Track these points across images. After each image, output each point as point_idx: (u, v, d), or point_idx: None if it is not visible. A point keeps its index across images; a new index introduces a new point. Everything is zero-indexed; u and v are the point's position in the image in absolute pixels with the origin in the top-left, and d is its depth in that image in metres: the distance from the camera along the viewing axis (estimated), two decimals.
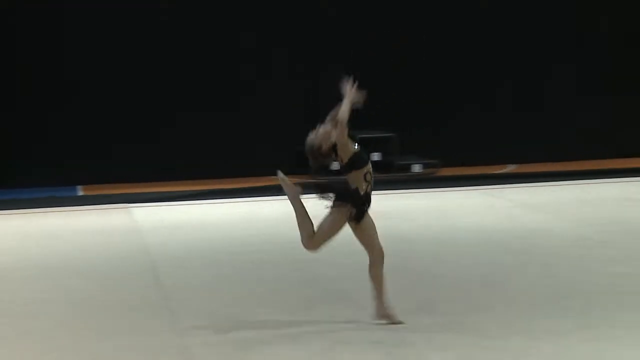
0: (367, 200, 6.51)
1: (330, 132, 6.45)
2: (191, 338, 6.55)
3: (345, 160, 6.44)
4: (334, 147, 6.46)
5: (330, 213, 6.54)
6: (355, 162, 6.45)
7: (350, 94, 6.43)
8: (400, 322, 6.54)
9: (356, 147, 6.50)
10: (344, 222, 6.52)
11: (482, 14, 15.02)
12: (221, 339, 6.53)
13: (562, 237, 9.68)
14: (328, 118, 6.52)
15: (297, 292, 7.87)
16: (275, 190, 13.10)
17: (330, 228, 6.53)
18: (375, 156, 14.12)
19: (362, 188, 6.45)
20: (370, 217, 6.56)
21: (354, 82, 6.46)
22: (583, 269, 8.29)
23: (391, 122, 14.28)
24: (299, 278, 8.32)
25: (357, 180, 6.46)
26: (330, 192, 6.52)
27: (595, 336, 6.30)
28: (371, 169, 6.52)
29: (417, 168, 14.04)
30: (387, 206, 11.85)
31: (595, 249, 9.05)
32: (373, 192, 6.58)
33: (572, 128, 15.00)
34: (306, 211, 6.61)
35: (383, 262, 6.56)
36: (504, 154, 14.85)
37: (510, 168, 14.61)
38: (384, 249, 6.60)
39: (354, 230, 6.57)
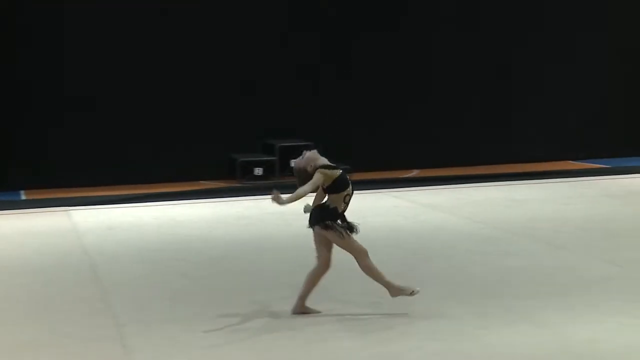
0: (341, 218, 6.62)
1: (316, 158, 6.61)
2: (127, 329, 6.51)
3: (328, 183, 6.54)
4: (316, 168, 6.58)
5: (325, 236, 6.62)
6: (338, 185, 6.56)
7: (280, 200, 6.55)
8: (413, 292, 6.64)
9: (339, 171, 6.61)
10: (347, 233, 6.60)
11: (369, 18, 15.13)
12: (156, 330, 6.50)
13: (458, 233, 9.83)
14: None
15: (225, 286, 7.86)
16: (205, 194, 13.15)
17: (343, 241, 6.61)
18: (294, 163, 14.20)
19: (340, 208, 6.59)
20: (345, 234, 6.61)
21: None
22: (478, 262, 8.44)
23: (309, 130, 14.35)
24: (227, 272, 8.32)
25: (337, 201, 6.58)
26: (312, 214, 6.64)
27: (489, 323, 6.42)
28: (351, 192, 6.65)
29: None
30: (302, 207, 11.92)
31: (485, 244, 9.22)
32: None
33: (465, 135, 15.26)
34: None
35: (368, 256, 6.69)
36: (410, 159, 15.03)
37: (414, 173, 14.81)
38: (331, 262, 6.74)
39: (324, 238, 6.63)
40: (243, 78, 14.51)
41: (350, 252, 6.69)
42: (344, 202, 6.59)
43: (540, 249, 8.93)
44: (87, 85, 13.86)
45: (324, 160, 6.63)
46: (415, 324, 6.43)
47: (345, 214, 6.63)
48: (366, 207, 11.81)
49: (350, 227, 6.61)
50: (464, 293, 7.27)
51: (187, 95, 14.33)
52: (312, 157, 6.64)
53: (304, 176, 6.61)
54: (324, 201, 6.63)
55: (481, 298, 7.09)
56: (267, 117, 14.56)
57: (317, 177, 6.50)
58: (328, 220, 6.55)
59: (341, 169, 6.66)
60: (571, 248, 8.88)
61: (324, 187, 6.58)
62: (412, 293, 6.65)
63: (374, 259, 8.60)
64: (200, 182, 13.97)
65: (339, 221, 6.59)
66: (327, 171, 6.54)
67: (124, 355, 5.98)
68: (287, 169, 14.25)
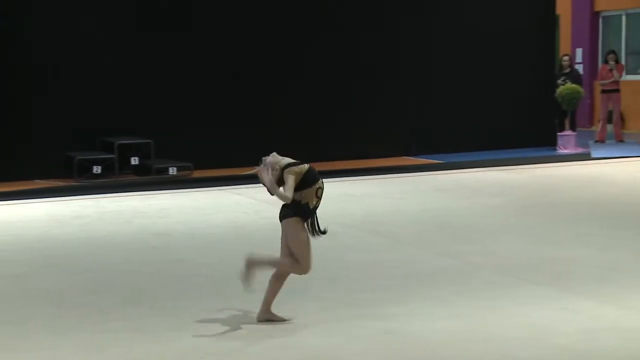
0: (313, 214, 6.34)
1: (277, 161, 6.33)
2: None
3: (298, 180, 6.23)
4: (283, 169, 6.28)
5: (287, 230, 6.34)
6: (307, 181, 6.28)
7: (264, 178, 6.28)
8: (282, 320, 6.37)
9: (306, 166, 6.34)
10: (302, 227, 6.31)
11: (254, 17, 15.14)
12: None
13: None
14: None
15: (59, 286, 7.63)
16: (40, 193, 12.72)
17: (299, 243, 6.32)
18: (134, 161, 13.99)
19: (312, 203, 6.31)
20: (307, 233, 6.37)
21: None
22: (319, 256, 8.50)
23: (148, 128, 14.18)
24: (63, 273, 8.09)
25: (308, 196, 6.28)
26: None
27: (330, 317, 6.49)
28: (322, 185, 6.38)
29: (172, 171, 13.99)
30: (146, 206, 11.75)
31: (325, 238, 9.29)
32: None
33: (304, 132, 15.44)
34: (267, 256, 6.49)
35: (298, 271, 6.37)
36: (250, 157, 15.03)
37: (255, 170, 14.80)
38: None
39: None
40: (82, 76, 14.15)
41: (295, 255, 6.35)
42: (317, 197, 6.30)
43: (378, 243, 9.12)
44: None
45: (287, 160, 6.34)
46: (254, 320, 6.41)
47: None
48: (208, 204, 11.77)
49: (318, 229, 6.35)
50: (304, 288, 7.31)
51: (22, 93, 13.84)
52: (273, 160, 6.34)
53: (272, 172, 6.28)
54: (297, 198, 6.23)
55: (322, 293, 7.17)
56: (106, 115, 14.25)
57: (291, 179, 6.19)
58: (298, 215, 6.25)
59: (307, 164, 6.38)
60: (407, 241, 9.11)
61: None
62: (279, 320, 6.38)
63: (219, 255, 8.63)
64: (36, 181, 13.50)
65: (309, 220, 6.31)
66: (294, 168, 6.25)
67: None
68: (126, 167, 14.01)
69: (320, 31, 15.64)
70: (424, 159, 15.49)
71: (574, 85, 17.00)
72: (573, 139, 16.65)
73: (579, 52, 21.66)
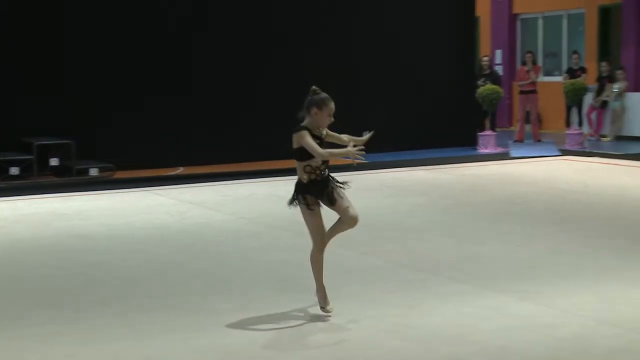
0: (310, 190, 6.29)
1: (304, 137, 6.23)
2: None
3: (296, 147, 6.27)
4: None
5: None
6: (303, 154, 6.27)
7: (349, 151, 6.30)
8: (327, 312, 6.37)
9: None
10: (309, 211, 6.33)
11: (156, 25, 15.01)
12: None
13: (225, 230, 9.87)
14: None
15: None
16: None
17: (310, 226, 6.40)
18: (54, 161, 13.75)
19: (304, 178, 6.30)
20: (307, 212, 6.35)
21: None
22: (245, 257, 8.51)
23: (66, 129, 13.96)
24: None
25: (299, 171, 6.33)
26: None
27: (253, 318, 6.48)
28: (313, 164, 6.30)
29: (93, 172, 13.78)
30: (66, 207, 11.55)
31: (251, 239, 9.33)
32: None
33: (228, 134, 15.40)
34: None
35: (318, 252, 6.48)
36: (174, 157, 14.96)
37: (179, 170, 14.72)
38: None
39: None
40: None
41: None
42: (305, 172, 6.31)
43: (303, 243, 9.09)
44: None
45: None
46: (181, 319, 6.38)
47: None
48: (130, 206, 11.63)
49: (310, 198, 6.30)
50: (230, 288, 7.30)
51: None
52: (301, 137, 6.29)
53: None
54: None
55: (247, 293, 7.15)
56: (24, 115, 14.00)
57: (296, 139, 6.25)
58: (295, 193, 6.32)
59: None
60: (332, 241, 9.08)
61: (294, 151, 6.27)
62: (325, 310, 6.41)
63: (139, 257, 8.54)
64: None
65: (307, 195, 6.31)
66: (298, 133, 6.23)
67: None
68: (45, 168, 13.75)
69: (245, 37, 15.60)
70: (349, 159, 15.52)
71: (493, 86, 17.31)
72: (493, 139, 16.95)
73: (498, 53, 22.04)
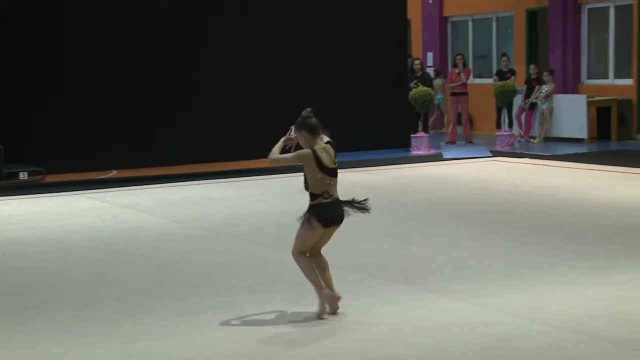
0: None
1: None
2: None
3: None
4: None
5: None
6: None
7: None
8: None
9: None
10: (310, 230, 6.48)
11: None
12: None
13: (159, 233, 9.82)
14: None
15: None
16: None
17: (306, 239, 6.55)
18: None
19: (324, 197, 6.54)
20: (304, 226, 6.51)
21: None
22: (180, 260, 8.48)
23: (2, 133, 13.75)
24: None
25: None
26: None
27: (193, 320, 6.47)
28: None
29: (23, 176, 13.57)
30: None
31: (186, 242, 9.30)
32: None
33: (161, 135, 15.31)
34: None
35: (301, 255, 6.53)
36: (107, 160, 14.81)
37: (112, 173, 14.58)
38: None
39: None
40: None
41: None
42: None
43: (239, 246, 9.13)
44: None
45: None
46: (119, 326, 6.34)
47: None
48: (63, 210, 11.48)
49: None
50: (166, 292, 7.27)
51: None
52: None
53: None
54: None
55: (184, 296, 7.13)
56: None
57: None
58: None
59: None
60: (266, 243, 9.15)
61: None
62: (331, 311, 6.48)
63: (73, 261, 8.44)
64: None
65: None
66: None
67: None
68: None
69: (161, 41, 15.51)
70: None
71: (425, 88, 17.50)
72: (426, 140, 17.15)
73: (429, 55, 22.29)
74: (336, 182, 6.48)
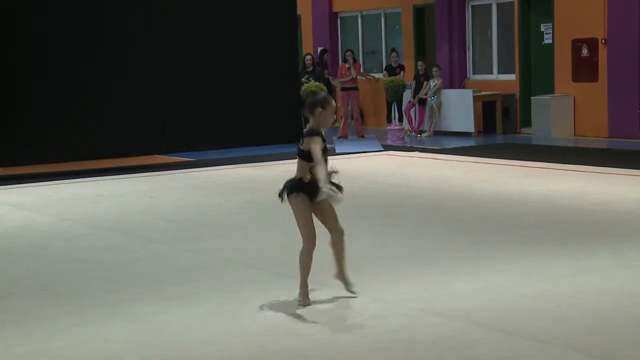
0: (306, 189, 6.44)
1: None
2: None
3: (305, 149, 6.42)
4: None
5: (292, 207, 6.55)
6: (308, 156, 6.39)
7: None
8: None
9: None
10: (303, 205, 6.50)
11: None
12: None
13: (48, 232, 9.59)
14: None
15: None
16: None
17: (300, 218, 6.57)
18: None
19: (306, 178, 6.45)
20: (301, 205, 6.52)
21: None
22: (69, 259, 8.29)
23: None
24: None
25: (302, 170, 6.46)
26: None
27: (84, 320, 6.33)
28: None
29: None
30: None
31: (77, 241, 9.10)
32: None
33: (49, 132, 14.93)
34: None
35: (308, 247, 6.62)
36: None
37: None
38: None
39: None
40: None
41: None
42: (310, 172, 6.43)
43: (131, 243, 8.99)
44: None
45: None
46: (5, 328, 6.14)
47: None
48: None
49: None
50: (57, 292, 7.09)
51: None
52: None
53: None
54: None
55: (76, 295, 6.98)
56: None
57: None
58: (288, 189, 6.50)
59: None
60: (161, 240, 9.04)
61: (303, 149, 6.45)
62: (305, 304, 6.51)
63: None
64: None
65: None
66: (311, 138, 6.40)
67: None
68: None
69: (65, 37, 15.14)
70: (176, 157, 15.42)
71: (316, 83, 17.59)
72: None
73: (320, 51, 22.40)
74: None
